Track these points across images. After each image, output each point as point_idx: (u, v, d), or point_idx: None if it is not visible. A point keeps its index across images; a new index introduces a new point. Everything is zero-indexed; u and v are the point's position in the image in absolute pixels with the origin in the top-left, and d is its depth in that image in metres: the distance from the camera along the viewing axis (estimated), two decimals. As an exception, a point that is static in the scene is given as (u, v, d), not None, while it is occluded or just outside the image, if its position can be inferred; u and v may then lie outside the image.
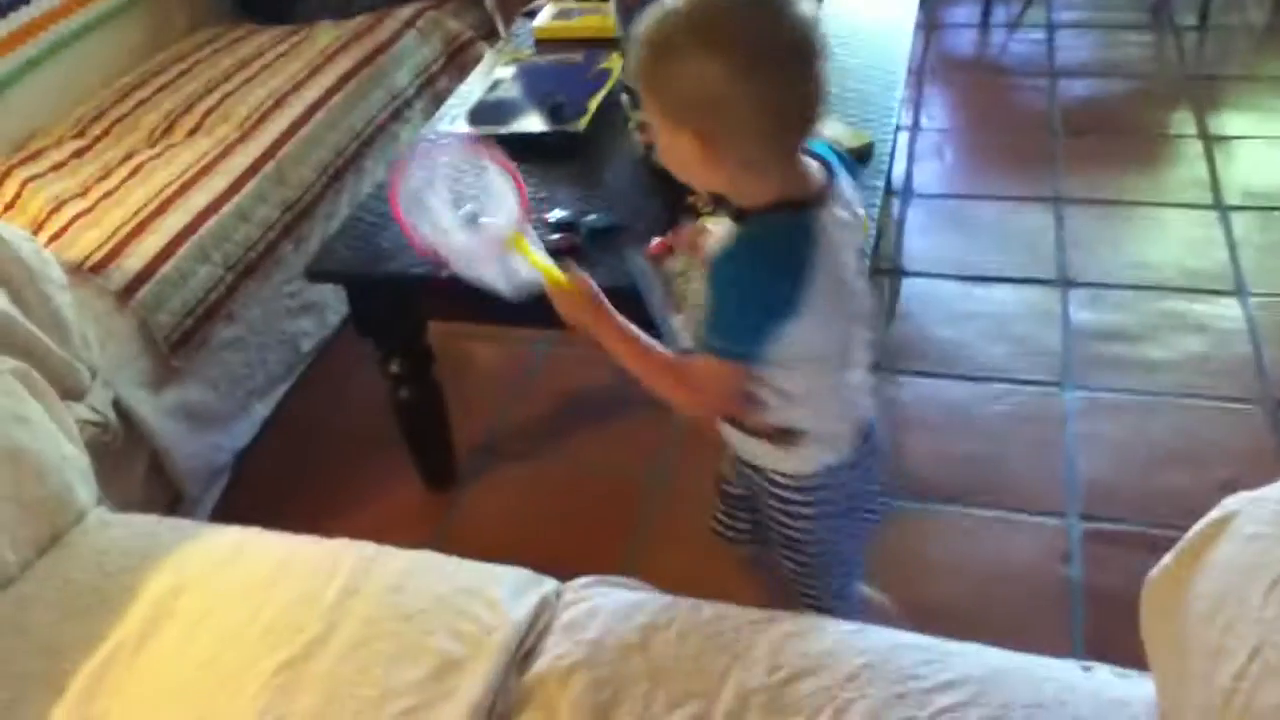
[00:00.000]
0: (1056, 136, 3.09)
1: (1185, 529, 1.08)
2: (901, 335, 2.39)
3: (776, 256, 1.11)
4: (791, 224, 1.12)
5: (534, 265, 1.23)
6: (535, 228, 1.72)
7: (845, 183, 1.18)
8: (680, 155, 1.12)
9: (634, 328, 1.22)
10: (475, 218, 1.25)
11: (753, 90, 1.04)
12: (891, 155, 1.98)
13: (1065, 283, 2.49)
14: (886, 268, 2.57)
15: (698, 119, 1.07)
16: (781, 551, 1.40)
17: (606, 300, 1.23)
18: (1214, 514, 1.08)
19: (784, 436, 1.27)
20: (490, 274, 1.25)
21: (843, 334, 1.22)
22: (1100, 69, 3.45)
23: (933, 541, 1.93)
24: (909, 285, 2.54)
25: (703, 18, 1.05)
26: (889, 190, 2.39)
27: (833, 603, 1.42)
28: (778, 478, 1.32)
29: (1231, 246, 2.55)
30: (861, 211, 1.22)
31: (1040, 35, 3.69)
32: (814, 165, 1.15)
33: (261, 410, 2.21)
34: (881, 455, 1.39)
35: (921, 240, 2.69)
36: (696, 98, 1.06)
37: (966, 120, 3.26)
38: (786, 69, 1.05)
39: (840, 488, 1.32)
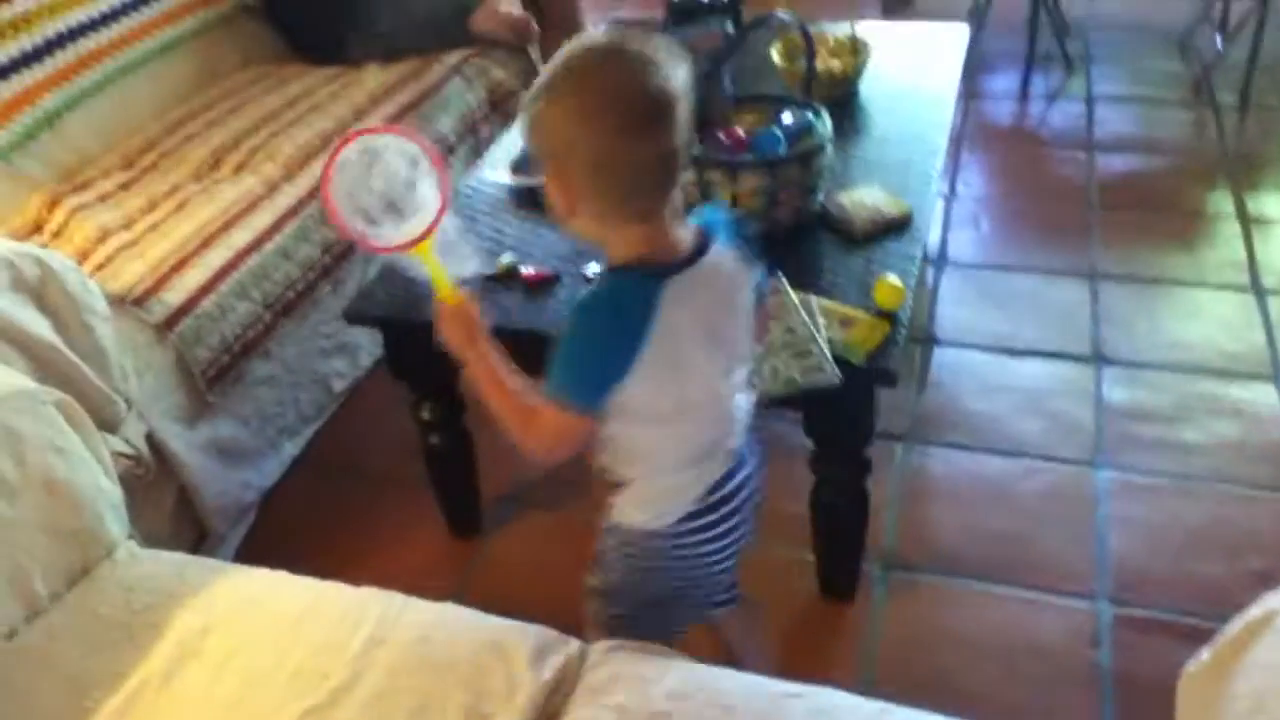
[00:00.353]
0: (1093, 210, 3.09)
1: (1218, 619, 1.07)
2: (933, 405, 2.38)
3: (612, 318, 1.17)
4: (635, 287, 1.16)
5: (431, 274, 1.25)
6: (575, 280, 1.75)
7: (723, 249, 1.22)
8: (550, 201, 1.18)
9: (501, 364, 1.24)
10: (396, 209, 1.25)
11: (594, 140, 1.10)
12: (929, 221, 1.98)
13: (1099, 359, 2.48)
14: (919, 336, 2.57)
15: (554, 164, 1.14)
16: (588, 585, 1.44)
17: (486, 330, 1.25)
18: (1254, 611, 1.07)
19: (613, 486, 1.33)
20: (405, 261, 1.27)
21: (679, 396, 1.23)
22: (1139, 144, 3.45)
23: (959, 616, 1.91)
24: (941, 354, 2.53)
25: (571, 67, 1.12)
26: (924, 258, 2.40)
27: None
28: (622, 525, 1.35)
29: (1269, 330, 2.53)
30: (743, 275, 1.26)
31: (1079, 108, 3.71)
32: (687, 231, 1.20)
33: (290, 449, 2.22)
34: (740, 537, 1.38)
35: (955, 309, 2.69)
36: (552, 142, 1.13)
37: (1003, 190, 3.26)
38: (630, 127, 1.09)
39: (676, 549, 1.33)
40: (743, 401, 1.34)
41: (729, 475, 1.32)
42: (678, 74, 1.12)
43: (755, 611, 1.66)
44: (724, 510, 1.33)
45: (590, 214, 1.16)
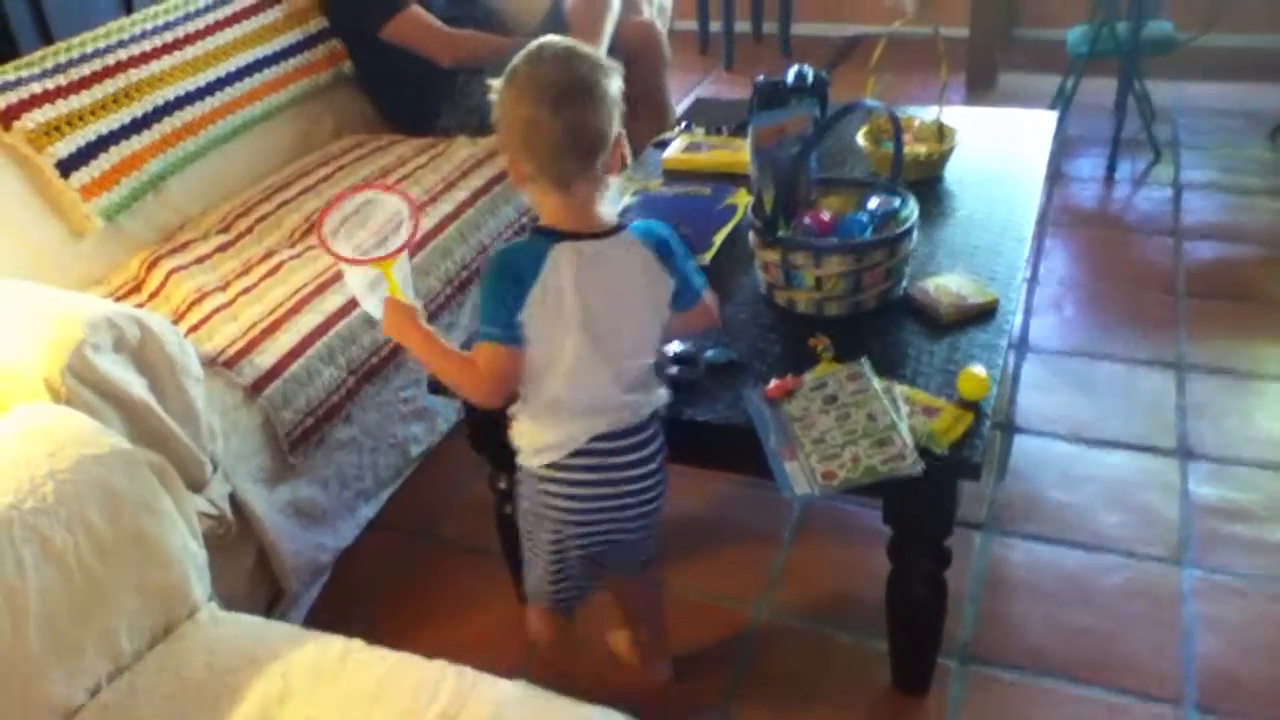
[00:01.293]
0: (1180, 298, 3.03)
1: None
2: (1013, 494, 2.34)
3: (509, 263, 1.45)
4: (530, 245, 1.45)
5: (389, 284, 1.57)
6: (656, 360, 1.76)
7: (629, 240, 1.48)
8: (508, 169, 1.51)
9: (438, 339, 1.54)
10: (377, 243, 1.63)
11: (522, 113, 1.39)
12: (1014, 310, 1.97)
13: (1185, 453, 2.42)
14: (1000, 422, 2.53)
15: (503, 136, 1.44)
16: None
17: (422, 322, 1.55)
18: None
19: (513, 424, 1.57)
20: (369, 303, 1.61)
21: (560, 350, 1.46)
22: (1228, 232, 3.39)
23: (1038, 717, 1.85)
24: (1021, 442, 2.49)
25: (519, 62, 1.42)
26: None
27: (527, 591, 1.74)
28: (517, 462, 1.60)
29: (1365, 430, 2.46)
30: (642, 269, 1.49)
31: (1166, 193, 3.66)
32: (607, 216, 1.48)
33: (367, 512, 2.24)
34: (637, 503, 1.58)
35: (1036, 396, 2.65)
36: (501, 118, 1.43)
37: (1087, 275, 3.22)
38: (547, 103, 1.38)
39: (543, 495, 1.56)
40: (634, 394, 1.53)
41: (607, 450, 1.52)
42: (600, 76, 1.41)
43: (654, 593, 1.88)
44: (589, 476, 1.53)
45: (526, 179, 1.45)
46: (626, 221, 1.51)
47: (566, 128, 1.39)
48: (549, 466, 1.54)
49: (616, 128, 1.45)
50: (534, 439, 1.54)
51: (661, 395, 1.59)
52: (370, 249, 1.61)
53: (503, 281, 1.44)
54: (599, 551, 1.63)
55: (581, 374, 1.48)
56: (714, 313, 1.64)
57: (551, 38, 1.44)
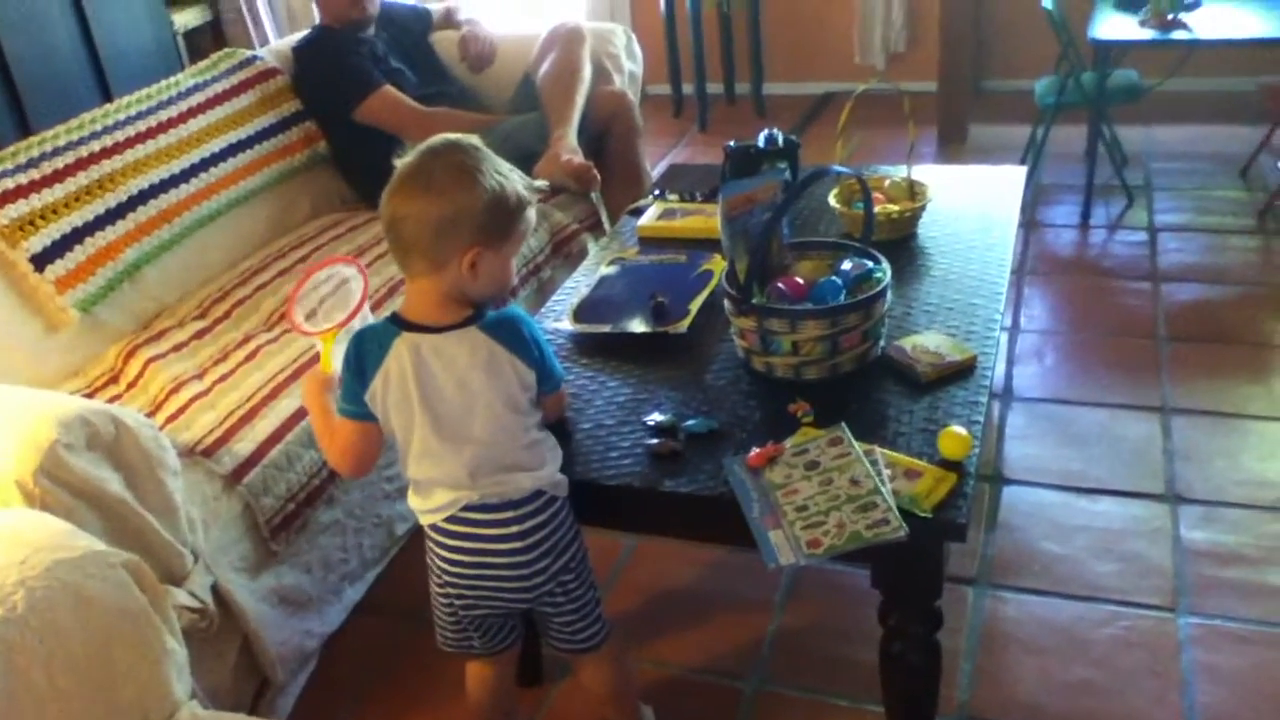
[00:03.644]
0: (1161, 342, 3.04)
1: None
2: (1004, 546, 2.32)
3: (360, 349, 1.52)
4: (385, 331, 1.51)
5: (322, 353, 1.67)
6: (635, 430, 1.76)
7: (479, 333, 1.51)
8: None
9: (330, 414, 1.59)
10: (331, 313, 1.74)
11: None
12: (993, 366, 1.97)
13: (1175, 498, 2.41)
14: (987, 474, 2.52)
15: None
16: None
17: (330, 397, 1.60)
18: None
19: None
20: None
21: (409, 434, 1.52)
22: (1205, 273, 3.42)
23: (1040, 777, 1.82)
24: (1010, 493, 2.48)
25: None
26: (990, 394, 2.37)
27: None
28: None
29: (1353, 467, 2.45)
30: (486, 362, 1.52)
31: (1142, 237, 3.69)
32: (455, 306, 1.51)
33: (353, 594, 2.21)
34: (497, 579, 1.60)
35: (1023, 446, 2.64)
36: None
37: (1067, 322, 3.23)
38: (388, 189, 1.46)
39: (429, 549, 1.63)
40: (502, 474, 1.54)
41: (478, 520, 1.55)
42: (457, 176, 1.44)
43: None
44: (461, 544, 1.57)
45: None
46: (482, 312, 1.54)
47: (390, 214, 1.46)
48: (430, 527, 1.60)
49: (466, 237, 1.46)
50: (414, 502, 1.61)
51: (548, 474, 1.59)
52: (339, 317, 1.72)
53: (354, 363, 1.52)
54: (484, 615, 1.68)
55: (431, 457, 1.54)
56: (562, 406, 1.75)
57: (450, 137, 1.49)
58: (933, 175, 2.51)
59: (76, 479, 1.59)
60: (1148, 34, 3.68)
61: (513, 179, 1.51)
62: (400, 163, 1.48)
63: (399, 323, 1.52)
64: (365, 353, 1.51)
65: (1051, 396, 2.85)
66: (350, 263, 1.78)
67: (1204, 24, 3.68)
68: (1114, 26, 3.78)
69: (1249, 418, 2.68)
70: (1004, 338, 3.07)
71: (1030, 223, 3.85)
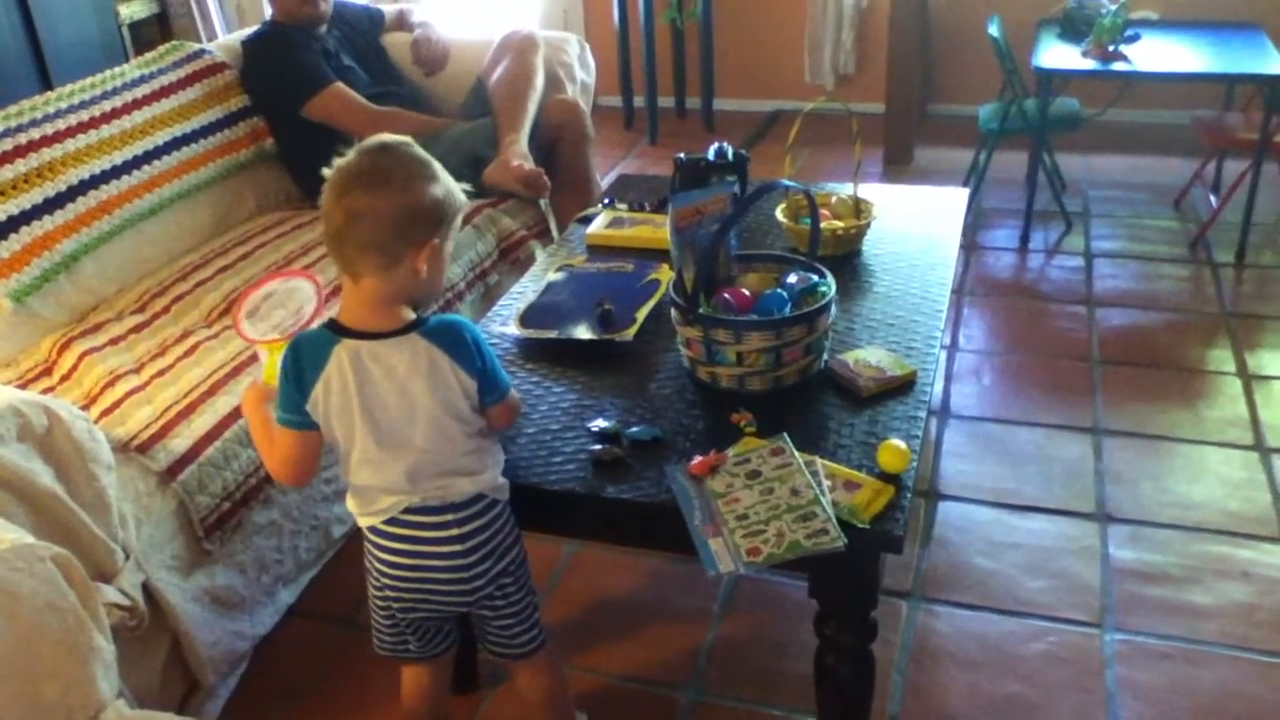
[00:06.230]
0: (1095, 365, 3.11)
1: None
2: (937, 562, 2.35)
3: (297, 357, 1.48)
4: (323, 338, 1.48)
5: (268, 362, 1.60)
6: (579, 436, 1.76)
7: (419, 341, 1.48)
8: None
9: (270, 421, 1.54)
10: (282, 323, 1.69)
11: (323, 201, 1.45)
12: (932, 382, 2.00)
13: (1105, 517, 2.47)
14: (923, 489, 2.56)
15: None
16: None
17: (270, 407, 1.55)
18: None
19: None
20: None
21: (350, 440, 1.51)
22: (1138, 300, 3.50)
23: (967, 788, 1.85)
24: (945, 509, 2.52)
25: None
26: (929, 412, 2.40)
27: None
28: None
29: (1274, 491, 2.52)
30: (426, 370, 1.49)
31: (1078, 262, 3.78)
32: (397, 312, 1.48)
33: (286, 597, 2.19)
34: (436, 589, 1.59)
35: (958, 463, 2.69)
36: None
37: (1005, 342, 3.29)
38: (336, 188, 1.42)
39: (367, 551, 1.61)
40: (444, 479, 1.53)
41: (417, 523, 1.54)
42: (404, 174, 1.43)
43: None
44: (399, 545, 1.56)
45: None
46: (424, 318, 1.52)
47: (345, 214, 1.42)
48: (369, 529, 1.59)
49: (426, 230, 1.45)
50: (353, 505, 1.59)
51: (489, 479, 1.58)
52: (288, 327, 1.66)
53: (292, 372, 1.49)
54: (422, 618, 1.67)
55: (371, 463, 1.52)
56: (512, 415, 1.66)
57: (387, 136, 1.48)
58: (878, 194, 2.55)
59: (6, 471, 1.56)
60: (1089, 64, 3.78)
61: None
62: (339, 164, 1.45)
63: (337, 329, 1.48)
64: (304, 361, 1.48)
65: (987, 415, 2.90)
66: (309, 279, 1.74)
67: (1143, 57, 3.79)
68: (1057, 56, 3.88)
69: (1177, 440, 2.75)
70: (943, 356, 3.12)
71: (971, 245, 3.92)
